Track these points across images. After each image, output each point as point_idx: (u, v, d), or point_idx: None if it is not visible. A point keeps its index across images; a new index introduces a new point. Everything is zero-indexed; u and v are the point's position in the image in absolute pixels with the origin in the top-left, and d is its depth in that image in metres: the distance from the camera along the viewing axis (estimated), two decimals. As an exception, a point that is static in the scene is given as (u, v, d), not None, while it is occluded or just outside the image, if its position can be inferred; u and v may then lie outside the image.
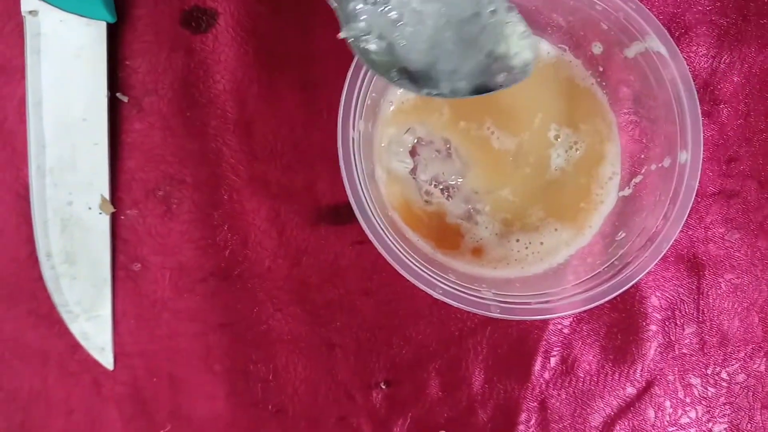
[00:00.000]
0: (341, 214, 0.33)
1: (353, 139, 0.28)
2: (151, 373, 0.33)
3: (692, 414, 0.33)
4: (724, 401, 0.33)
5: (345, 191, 0.33)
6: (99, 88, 0.33)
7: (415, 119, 0.32)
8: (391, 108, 0.32)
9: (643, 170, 0.31)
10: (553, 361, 0.33)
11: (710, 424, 0.33)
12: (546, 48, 0.33)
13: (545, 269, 0.32)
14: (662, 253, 0.28)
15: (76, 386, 0.33)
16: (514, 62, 0.26)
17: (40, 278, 0.33)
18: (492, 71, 0.26)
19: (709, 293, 0.33)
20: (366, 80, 0.28)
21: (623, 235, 0.30)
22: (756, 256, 0.34)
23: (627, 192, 0.32)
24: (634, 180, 0.32)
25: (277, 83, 0.33)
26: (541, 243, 0.32)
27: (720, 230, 0.34)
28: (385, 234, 0.28)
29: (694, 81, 0.29)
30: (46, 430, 0.33)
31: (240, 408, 0.33)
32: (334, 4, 0.25)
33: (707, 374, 0.33)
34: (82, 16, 0.32)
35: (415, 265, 0.28)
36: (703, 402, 0.33)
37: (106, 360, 0.33)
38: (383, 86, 0.31)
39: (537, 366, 0.33)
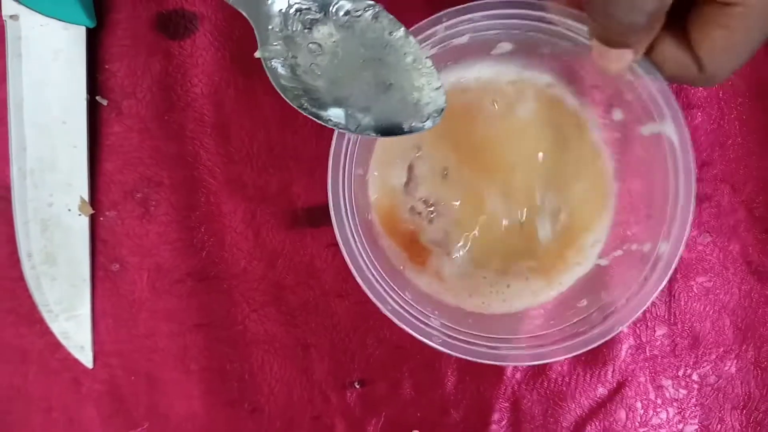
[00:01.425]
0: (316, 216, 0.34)
1: (349, 136, 0.28)
2: (130, 371, 0.34)
3: (663, 415, 0.34)
4: (695, 402, 0.34)
5: (320, 194, 0.34)
6: (78, 91, 0.33)
7: (423, 137, 0.32)
8: None
9: (624, 247, 0.31)
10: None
11: (681, 425, 0.34)
12: (571, 100, 0.32)
13: (503, 312, 0.32)
14: (612, 334, 0.28)
15: (56, 384, 0.34)
16: (425, 111, 0.26)
17: (20, 278, 0.33)
18: (403, 116, 0.26)
19: (680, 296, 0.34)
20: None
21: (585, 303, 0.30)
22: (728, 259, 0.34)
23: (604, 262, 0.32)
24: (614, 253, 0.32)
25: (253, 87, 0.34)
26: (508, 285, 0.32)
27: (693, 233, 0.34)
28: (354, 239, 0.28)
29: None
30: (25, 427, 0.34)
31: (216, 407, 0.33)
32: (252, 23, 0.25)
33: (678, 376, 0.34)
34: (61, 20, 0.33)
35: (373, 275, 0.28)
36: (674, 403, 0.34)
37: (86, 358, 0.34)
38: None
39: (509, 367, 0.33)
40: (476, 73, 0.32)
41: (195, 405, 0.33)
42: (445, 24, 0.27)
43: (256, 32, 0.26)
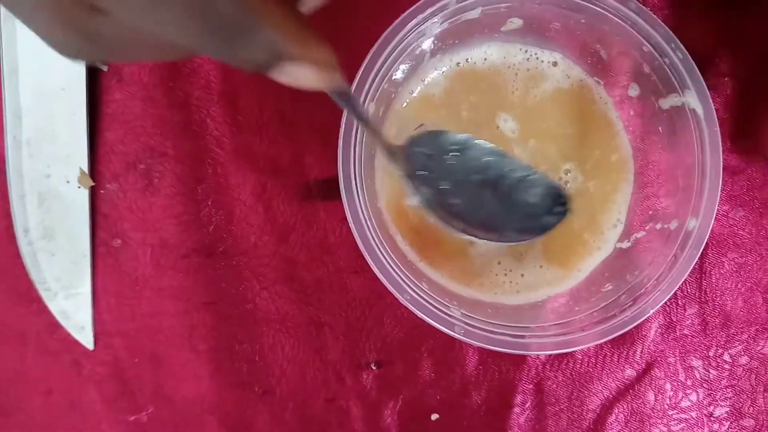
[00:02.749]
0: (330, 189, 0.32)
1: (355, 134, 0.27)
2: (133, 352, 0.32)
3: (693, 397, 0.32)
4: (726, 384, 0.32)
5: (334, 165, 0.32)
6: (77, 56, 0.32)
7: (432, 115, 0.30)
8: (410, 97, 0.30)
9: (647, 227, 0.30)
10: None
11: (711, 407, 0.32)
12: (581, 76, 0.31)
13: (520, 303, 0.30)
14: (644, 317, 0.27)
15: (55, 366, 0.32)
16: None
17: (17, 254, 0.32)
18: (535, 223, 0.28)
19: (711, 272, 0.32)
20: (387, 62, 0.27)
21: (610, 287, 0.29)
22: (761, 234, 0.32)
23: (626, 244, 0.30)
24: (635, 234, 0.30)
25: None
26: (522, 275, 0.31)
27: (724, 207, 0.32)
28: (368, 227, 0.26)
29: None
30: (24, 411, 0.32)
31: (225, 389, 0.32)
32: (403, 178, 0.27)
33: (709, 356, 0.32)
34: (58, -21, 0.31)
35: (389, 264, 0.26)
36: (704, 384, 0.32)
37: (86, 339, 0.32)
38: (404, 77, 0.29)
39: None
40: (483, 53, 0.31)
41: (202, 387, 0.32)
42: None
43: (405, 185, 0.28)
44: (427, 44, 0.29)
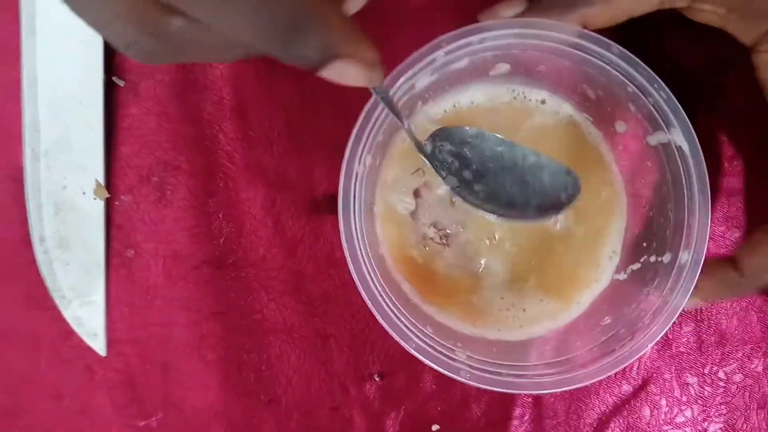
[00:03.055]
0: (337, 203, 0.33)
1: (357, 173, 0.28)
2: (144, 360, 0.33)
3: (688, 413, 0.33)
4: (721, 401, 0.33)
5: (342, 167, 0.33)
6: (95, 71, 0.33)
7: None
8: (404, 144, 0.31)
9: (642, 259, 0.30)
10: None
11: (706, 424, 0.33)
12: (569, 112, 0.32)
13: (524, 338, 0.31)
14: (642, 352, 0.27)
15: (68, 372, 0.33)
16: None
17: (33, 262, 0.33)
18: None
19: (708, 292, 0.33)
20: (381, 116, 0.28)
21: (609, 320, 0.30)
22: (757, 255, 0.33)
23: (622, 276, 0.31)
24: (631, 266, 0.31)
25: (274, 70, 0.33)
26: (524, 310, 0.32)
27: (720, 228, 0.33)
28: (370, 275, 0.27)
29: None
30: (36, 414, 0.33)
31: (233, 397, 0.33)
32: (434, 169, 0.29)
33: (704, 373, 0.33)
34: (78, -3, 0.32)
35: (393, 313, 0.27)
36: (699, 401, 0.33)
37: (99, 346, 0.33)
38: (397, 124, 0.30)
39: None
40: (470, 96, 0.32)
41: (211, 395, 0.33)
42: (444, 50, 0.27)
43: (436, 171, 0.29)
44: (417, 95, 0.30)
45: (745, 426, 0.33)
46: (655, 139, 0.29)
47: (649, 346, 0.27)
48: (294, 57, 0.19)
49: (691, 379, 0.33)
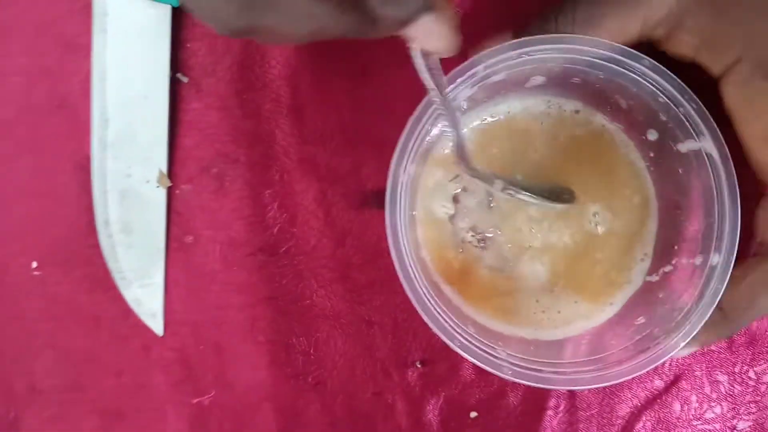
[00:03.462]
0: (385, 198, 0.35)
1: (403, 183, 0.29)
2: (199, 340, 0.35)
3: (717, 410, 0.34)
4: (750, 399, 0.34)
5: (389, 176, 0.35)
6: (161, 68, 0.35)
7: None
8: (444, 152, 0.33)
9: (674, 261, 0.32)
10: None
11: (735, 421, 0.34)
12: (602, 121, 0.33)
13: (560, 338, 0.33)
14: (675, 350, 0.28)
15: (127, 349, 0.35)
16: None
17: (96, 245, 0.35)
18: None
19: (740, 293, 0.34)
20: (426, 125, 0.29)
21: (642, 320, 0.31)
22: (788, 259, 0.34)
23: (654, 278, 0.33)
24: (663, 268, 0.32)
25: (328, 71, 0.35)
26: (558, 312, 0.33)
27: (747, 232, 0.34)
28: (417, 281, 0.29)
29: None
30: (97, 388, 0.35)
31: (281, 378, 0.34)
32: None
33: (734, 372, 0.34)
34: (149, -1, 0.34)
35: (439, 314, 0.29)
36: (728, 399, 0.34)
37: (157, 326, 0.35)
38: (439, 133, 0.32)
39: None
40: (507, 107, 0.33)
41: (260, 376, 0.34)
42: (484, 64, 0.29)
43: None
44: (456, 106, 0.31)
45: (773, 424, 0.34)
46: (685, 146, 0.30)
47: (682, 345, 0.28)
48: (387, 8, 0.20)
49: (722, 377, 0.34)
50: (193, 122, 0.35)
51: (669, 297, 0.31)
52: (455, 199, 0.33)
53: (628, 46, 0.28)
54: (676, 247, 0.32)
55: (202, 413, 0.35)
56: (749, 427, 0.34)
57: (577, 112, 0.33)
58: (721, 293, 0.28)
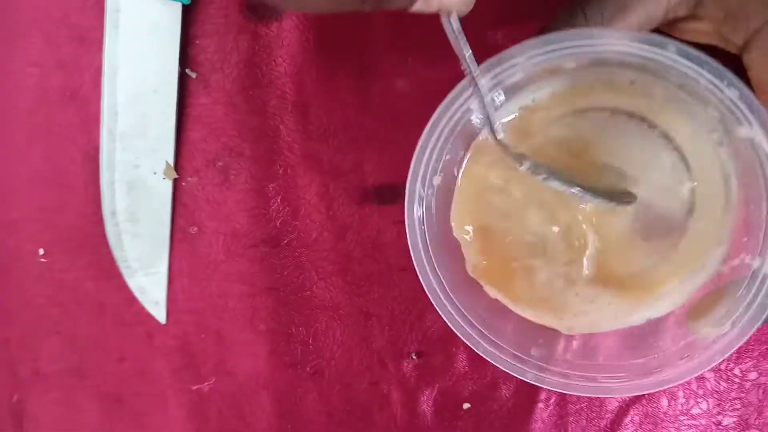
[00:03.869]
0: (385, 194, 0.36)
1: (422, 197, 0.29)
2: (200, 329, 0.36)
3: (703, 405, 0.35)
4: (735, 396, 0.35)
5: (390, 173, 0.36)
6: (170, 63, 0.36)
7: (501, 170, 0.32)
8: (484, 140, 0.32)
9: (734, 262, 0.30)
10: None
11: (720, 417, 0.35)
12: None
13: (589, 331, 0.32)
14: (734, 348, 0.28)
15: (130, 336, 0.36)
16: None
17: (103, 234, 0.36)
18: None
19: (727, 293, 0.35)
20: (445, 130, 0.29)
21: (691, 323, 0.30)
22: (774, 261, 0.35)
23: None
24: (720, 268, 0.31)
25: (333, 69, 0.36)
26: (598, 306, 0.32)
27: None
28: (439, 289, 0.29)
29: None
30: (99, 374, 0.36)
31: (280, 367, 0.35)
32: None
33: (720, 369, 0.35)
34: (161, -4, 0.35)
35: (463, 323, 0.29)
36: (714, 395, 0.35)
37: (160, 314, 0.36)
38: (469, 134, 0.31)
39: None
40: (532, 95, 0.32)
41: (260, 364, 0.35)
42: (511, 62, 0.28)
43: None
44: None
45: (758, 421, 0.35)
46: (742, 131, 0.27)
47: (739, 343, 0.28)
48: None
49: (708, 374, 0.35)
50: (200, 117, 0.36)
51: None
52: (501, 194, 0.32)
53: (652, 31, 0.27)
54: (736, 245, 0.30)
55: (201, 400, 0.36)
56: (734, 422, 0.35)
57: (633, 82, 0.30)
58: None
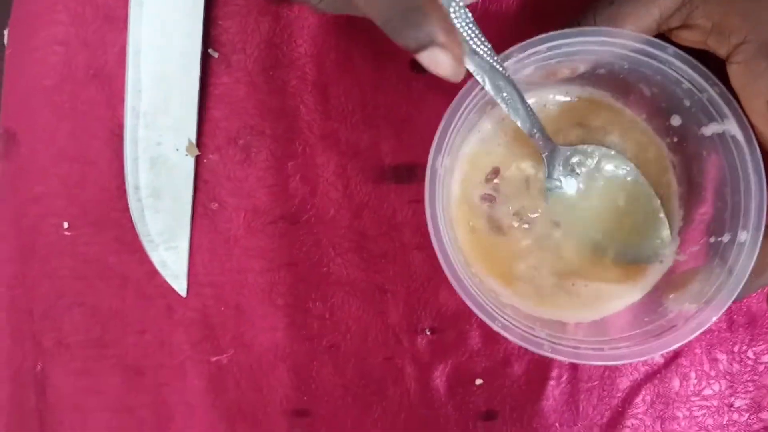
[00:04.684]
0: (401, 174, 0.36)
1: (439, 173, 0.30)
2: (220, 302, 0.36)
3: (716, 387, 0.35)
4: (748, 378, 0.35)
5: (406, 153, 0.36)
6: (194, 43, 0.37)
7: (501, 155, 0.34)
8: (480, 139, 0.34)
9: (701, 241, 0.33)
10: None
11: (732, 398, 0.35)
12: (627, 111, 0.35)
13: (597, 317, 0.34)
14: (709, 324, 0.29)
15: (151, 309, 0.37)
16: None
17: (126, 209, 0.36)
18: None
19: (740, 275, 0.35)
20: (464, 114, 0.30)
21: (673, 297, 0.32)
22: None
23: (682, 258, 0.33)
24: (691, 248, 0.33)
25: (352, 51, 0.37)
26: (592, 291, 0.34)
27: None
28: (457, 266, 0.30)
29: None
30: (120, 345, 0.37)
31: (297, 340, 0.36)
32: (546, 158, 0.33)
33: (733, 351, 0.35)
34: (185, -24, 0.36)
35: (479, 296, 0.30)
36: (727, 377, 0.35)
37: (180, 287, 0.37)
38: (475, 120, 0.33)
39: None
40: (534, 98, 0.34)
41: (277, 337, 0.36)
42: (514, 59, 0.29)
43: (546, 164, 0.33)
44: (487, 101, 0.32)
45: (769, 403, 0.35)
46: (709, 129, 0.31)
47: (714, 318, 0.29)
48: (403, 38, 0.24)
49: (721, 356, 0.35)
50: (222, 96, 0.37)
51: (698, 275, 0.31)
52: (494, 187, 0.34)
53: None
54: (702, 227, 0.33)
55: (220, 371, 0.36)
56: (746, 405, 0.35)
57: (605, 97, 0.34)
58: (749, 268, 0.29)
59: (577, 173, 0.34)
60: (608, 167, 0.34)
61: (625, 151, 0.34)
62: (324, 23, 0.37)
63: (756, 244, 0.29)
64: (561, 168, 0.33)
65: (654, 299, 0.33)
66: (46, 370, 0.37)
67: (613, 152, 0.33)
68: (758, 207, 0.30)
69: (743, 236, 0.30)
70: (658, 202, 0.34)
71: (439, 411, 0.36)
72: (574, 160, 0.33)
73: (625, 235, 0.34)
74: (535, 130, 0.31)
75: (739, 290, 0.29)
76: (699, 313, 0.29)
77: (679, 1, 0.29)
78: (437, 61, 0.24)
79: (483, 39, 0.28)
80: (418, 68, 0.36)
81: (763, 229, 0.29)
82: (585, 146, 0.33)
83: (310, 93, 0.37)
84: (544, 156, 0.33)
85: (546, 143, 0.32)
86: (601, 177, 0.34)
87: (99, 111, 0.37)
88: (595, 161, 0.34)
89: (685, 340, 0.29)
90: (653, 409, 0.35)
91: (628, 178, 0.34)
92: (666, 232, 0.34)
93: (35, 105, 0.38)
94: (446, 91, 0.30)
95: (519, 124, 0.31)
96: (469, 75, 0.29)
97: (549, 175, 0.33)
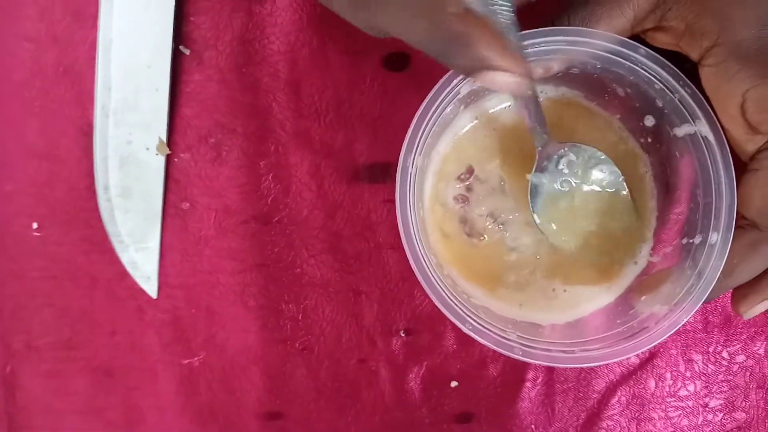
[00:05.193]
0: (375, 173, 0.36)
1: (410, 173, 0.30)
2: (191, 304, 0.36)
3: (691, 387, 0.35)
4: (722, 379, 0.35)
5: (380, 152, 0.36)
6: (164, 40, 0.36)
7: (475, 155, 0.34)
8: (454, 139, 0.34)
9: (674, 242, 0.33)
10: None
11: (707, 399, 0.35)
12: (600, 111, 0.34)
13: (570, 320, 0.34)
14: (680, 325, 0.29)
15: (121, 310, 0.36)
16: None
17: (95, 209, 0.36)
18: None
19: (716, 276, 0.35)
20: (437, 112, 0.30)
21: (646, 299, 0.32)
22: (764, 245, 0.35)
23: (656, 259, 0.33)
24: (664, 249, 0.33)
25: (326, 48, 0.36)
26: (567, 293, 0.34)
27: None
28: (427, 266, 0.29)
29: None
30: (90, 347, 0.36)
31: (269, 342, 0.36)
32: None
33: (709, 352, 0.35)
34: (155, -29, 0.35)
35: (449, 298, 0.29)
36: (702, 377, 0.35)
37: (151, 289, 0.36)
38: (449, 118, 0.33)
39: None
40: (501, 101, 0.34)
41: (250, 339, 0.36)
42: None
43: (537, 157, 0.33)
44: (460, 100, 0.32)
45: (744, 403, 0.35)
46: (682, 130, 0.31)
47: (686, 319, 0.29)
48: (452, 66, 0.24)
49: (696, 357, 0.35)
50: (193, 93, 0.36)
51: (670, 277, 0.32)
52: (469, 187, 0.34)
53: None
54: (676, 228, 0.33)
55: (191, 374, 0.36)
56: (721, 404, 0.35)
57: (580, 98, 0.34)
58: (720, 269, 0.29)
59: (565, 172, 0.33)
60: (594, 170, 0.33)
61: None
62: (297, 20, 0.36)
63: (726, 246, 0.29)
64: (550, 164, 0.33)
65: (626, 301, 0.33)
66: (15, 371, 0.37)
67: (602, 155, 0.33)
68: (729, 208, 0.30)
69: (714, 237, 0.30)
70: (635, 204, 0.34)
71: (414, 413, 0.36)
72: (565, 156, 0.33)
73: (603, 236, 0.34)
74: (535, 120, 0.31)
75: (708, 292, 0.29)
76: (670, 314, 0.29)
77: (653, 2, 0.29)
78: (496, 83, 0.23)
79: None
80: (392, 66, 0.36)
81: (733, 230, 0.29)
82: (579, 144, 0.33)
83: (282, 91, 0.36)
84: (537, 149, 0.32)
85: (542, 135, 0.32)
86: (585, 178, 0.33)
87: (69, 108, 0.36)
88: (583, 161, 0.33)
89: (656, 342, 0.28)
90: (629, 410, 0.35)
91: (611, 181, 0.33)
92: (642, 233, 0.34)
93: (4, 102, 0.37)
94: (421, 89, 0.30)
95: (521, 110, 0.30)
96: (446, 70, 0.28)
97: (536, 170, 0.33)
